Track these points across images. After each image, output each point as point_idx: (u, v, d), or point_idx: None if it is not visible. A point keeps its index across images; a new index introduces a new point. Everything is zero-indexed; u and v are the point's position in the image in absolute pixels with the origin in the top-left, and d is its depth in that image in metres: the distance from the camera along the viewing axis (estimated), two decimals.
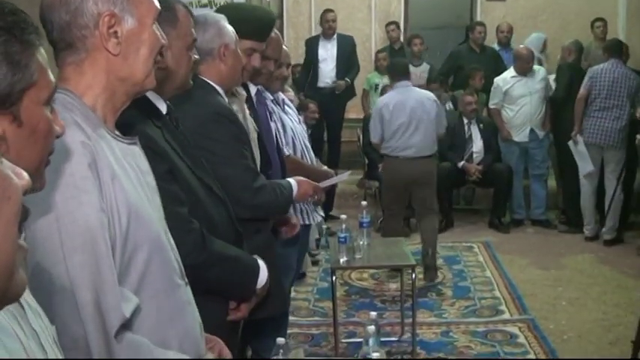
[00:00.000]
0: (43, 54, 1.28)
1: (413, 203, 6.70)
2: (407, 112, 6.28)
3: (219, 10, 3.09)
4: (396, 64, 6.84)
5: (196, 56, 2.47)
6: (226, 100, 2.99)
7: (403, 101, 6.32)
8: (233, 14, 3.24)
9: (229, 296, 2.56)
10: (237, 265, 2.52)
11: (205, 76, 2.90)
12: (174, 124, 2.41)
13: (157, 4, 1.82)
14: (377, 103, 6.87)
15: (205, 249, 2.32)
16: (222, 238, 2.45)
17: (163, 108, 2.36)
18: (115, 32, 1.71)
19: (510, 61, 8.68)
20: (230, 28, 2.99)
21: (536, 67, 8.08)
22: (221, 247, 2.42)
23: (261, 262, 2.61)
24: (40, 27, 1.29)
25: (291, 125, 4.27)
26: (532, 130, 8.00)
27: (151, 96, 2.30)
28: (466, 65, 8.94)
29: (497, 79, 8.19)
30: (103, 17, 1.69)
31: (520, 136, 8.06)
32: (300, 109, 6.66)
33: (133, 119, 2.10)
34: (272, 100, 4.13)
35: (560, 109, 7.79)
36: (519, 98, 8.00)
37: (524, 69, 7.93)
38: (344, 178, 4.07)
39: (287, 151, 4.11)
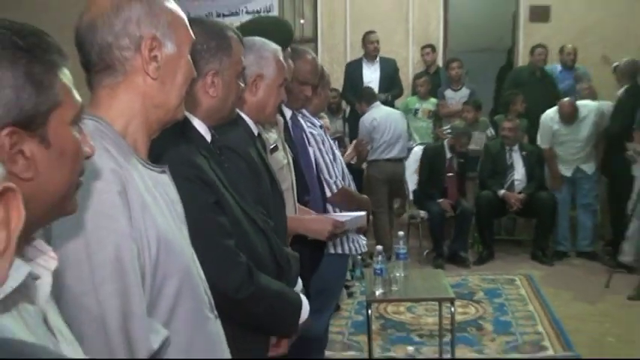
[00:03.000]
0: (66, 74, 1.29)
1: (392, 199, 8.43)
2: (389, 124, 8.16)
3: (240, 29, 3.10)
4: (366, 92, 8.50)
5: (242, 84, 2.49)
6: (254, 128, 2.96)
7: (384, 117, 8.18)
8: (255, 28, 3.26)
9: (272, 332, 2.57)
10: (283, 300, 2.53)
11: None
12: (218, 153, 2.43)
13: (192, 33, 1.85)
14: (365, 119, 8.25)
15: (253, 283, 2.33)
16: (265, 270, 2.45)
17: (208, 137, 2.39)
18: (155, 56, 1.74)
19: (572, 83, 8.85)
20: (276, 63, 2.95)
21: (588, 105, 7.98)
22: (267, 281, 2.43)
23: (303, 298, 2.63)
24: (63, 48, 1.32)
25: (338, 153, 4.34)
26: (579, 168, 8.03)
27: (197, 124, 2.34)
28: (527, 89, 8.93)
29: (544, 118, 8.15)
30: (145, 40, 1.72)
31: (567, 172, 8.11)
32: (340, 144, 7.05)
33: (179, 146, 2.13)
34: (320, 126, 4.18)
35: (616, 142, 7.62)
36: (565, 143, 8.01)
37: (568, 121, 7.91)
38: (360, 223, 3.93)
39: (339, 182, 4.16)
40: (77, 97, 1.32)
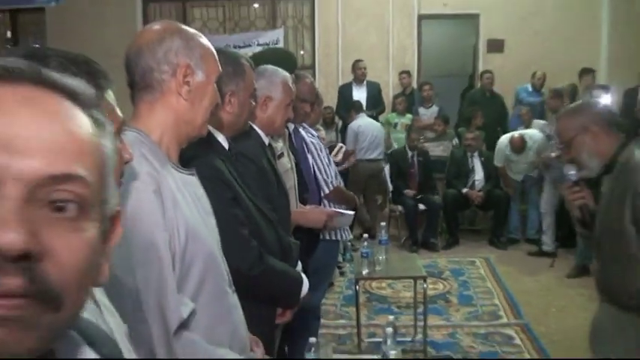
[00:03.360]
0: (111, 95, 1.32)
1: (367, 191, 8.36)
2: (371, 130, 8.34)
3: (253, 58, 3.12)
4: (355, 104, 8.71)
5: (253, 103, 2.50)
6: (265, 139, 2.97)
7: (367, 125, 8.40)
8: (268, 58, 3.26)
9: (278, 303, 2.57)
10: (287, 277, 2.53)
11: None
12: (234, 158, 2.44)
13: (220, 67, 1.86)
14: (352, 124, 8.46)
15: (262, 263, 2.34)
16: (272, 253, 2.45)
17: (226, 145, 2.40)
18: (188, 81, 1.75)
19: (539, 103, 8.98)
20: (283, 87, 2.96)
21: (534, 136, 7.90)
22: (274, 262, 2.43)
23: (303, 276, 2.63)
24: (109, 73, 1.33)
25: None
26: (527, 174, 8.06)
27: (218, 135, 2.35)
28: (480, 107, 9.02)
29: (500, 143, 8.14)
30: (181, 67, 1.74)
31: (517, 177, 8.13)
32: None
33: (205, 155, 2.14)
34: (317, 136, 4.20)
35: None
36: (516, 163, 8.01)
37: (518, 152, 7.90)
38: (348, 222, 4.05)
39: (334, 182, 4.17)
40: (119, 113, 1.33)
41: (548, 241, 7.47)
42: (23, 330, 0.65)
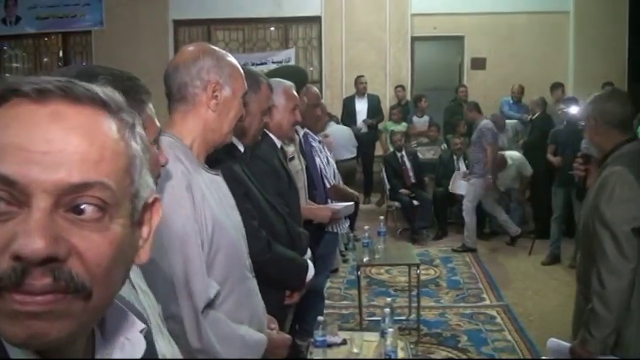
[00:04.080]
0: (150, 107, 1.32)
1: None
2: (340, 135, 8.00)
3: (270, 74, 3.10)
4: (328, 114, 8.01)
5: (267, 120, 2.49)
6: (277, 142, 2.96)
7: (337, 131, 8.03)
8: (283, 74, 3.25)
9: (286, 287, 2.56)
10: (293, 263, 2.52)
11: None
12: (248, 160, 2.44)
13: (246, 85, 1.86)
14: (328, 131, 7.84)
15: (270, 251, 2.33)
16: (280, 242, 2.44)
17: (242, 149, 2.40)
18: (217, 96, 1.75)
19: (519, 112, 8.99)
20: (285, 94, 2.94)
21: (513, 156, 7.81)
22: (281, 250, 2.42)
23: (310, 262, 2.61)
24: (149, 89, 1.33)
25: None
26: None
27: (235, 141, 2.34)
28: (460, 116, 8.96)
29: None
30: (211, 83, 1.74)
31: (501, 187, 8.01)
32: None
33: (224, 158, 2.15)
34: (319, 142, 4.18)
35: (534, 151, 7.59)
36: (499, 178, 7.85)
37: (500, 169, 7.74)
38: (349, 211, 4.05)
39: (332, 180, 4.16)
40: (157, 123, 1.35)
41: (514, 229, 7.44)
42: (56, 320, 0.66)
